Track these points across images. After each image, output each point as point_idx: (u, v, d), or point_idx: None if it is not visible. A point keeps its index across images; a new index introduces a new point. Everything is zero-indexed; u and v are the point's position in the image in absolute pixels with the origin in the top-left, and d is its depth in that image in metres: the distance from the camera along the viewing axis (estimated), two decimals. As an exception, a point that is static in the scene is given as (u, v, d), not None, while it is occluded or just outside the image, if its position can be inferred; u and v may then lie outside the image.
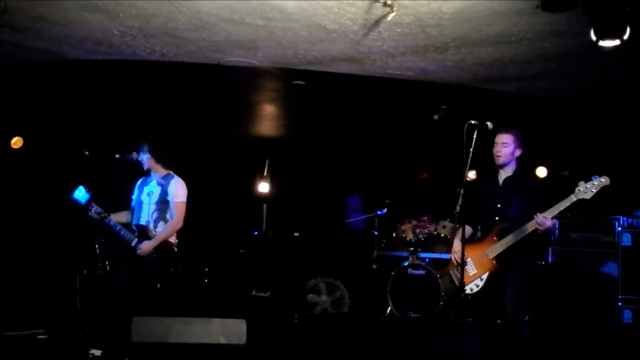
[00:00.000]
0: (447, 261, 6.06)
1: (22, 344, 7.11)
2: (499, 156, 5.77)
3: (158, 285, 6.62)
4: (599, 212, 8.37)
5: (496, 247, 5.62)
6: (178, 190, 6.88)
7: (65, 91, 8.47)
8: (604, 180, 5.40)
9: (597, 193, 5.39)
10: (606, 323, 8.20)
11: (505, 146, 5.76)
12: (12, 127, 9.42)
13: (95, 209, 6.78)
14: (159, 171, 6.95)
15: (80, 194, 6.79)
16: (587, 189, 5.40)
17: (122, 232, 6.76)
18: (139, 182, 7.08)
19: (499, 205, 5.78)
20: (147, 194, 6.92)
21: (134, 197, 7.04)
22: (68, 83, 8.16)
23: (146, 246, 6.66)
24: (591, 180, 5.41)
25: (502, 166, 5.81)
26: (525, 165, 5.93)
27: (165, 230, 6.76)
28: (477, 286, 5.69)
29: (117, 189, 7.13)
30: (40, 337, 7.27)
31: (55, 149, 9.70)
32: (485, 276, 5.68)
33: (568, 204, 5.44)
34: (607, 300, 8.30)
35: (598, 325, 8.15)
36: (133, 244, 6.72)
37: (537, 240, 5.63)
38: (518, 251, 5.59)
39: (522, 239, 5.53)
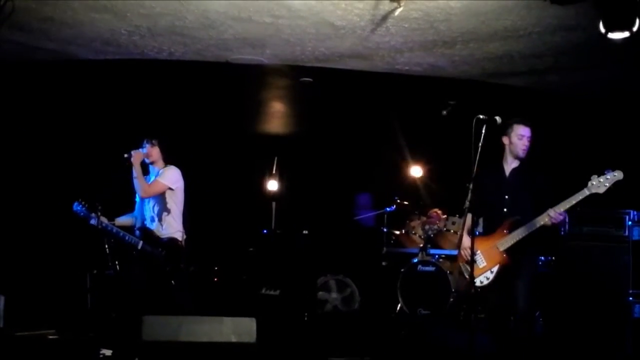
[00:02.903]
0: (457, 257, 6.05)
1: (32, 344, 7.12)
2: (524, 149, 5.76)
3: (172, 282, 6.64)
4: (609, 206, 8.34)
5: (507, 240, 5.60)
6: (167, 174, 6.83)
7: (74, 91, 8.49)
8: (617, 174, 5.37)
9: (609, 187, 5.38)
10: (617, 318, 8.16)
11: (530, 140, 5.75)
12: (21, 128, 9.45)
13: (94, 220, 6.76)
14: (159, 164, 6.95)
15: (78, 207, 6.79)
16: (600, 183, 5.37)
17: (127, 238, 6.76)
18: None
19: (506, 197, 5.76)
20: None
21: (136, 198, 7.06)
22: (77, 83, 8.17)
23: (136, 154, 6.68)
24: (604, 174, 5.39)
25: (520, 159, 5.80)
26: (534, 159, 5.91)
27: (140, 178, 6.72)
28: (487, 279, 5.69)
29: (125, 188, 7.14)
30: (50, 337, 7.28)
31: (64, 149, 9.71)
32: (495, 269, 5.67)
33: (581, 198, 5.42)
34: (618, 295, 8.26)
35: (609, 320, 8.10)
36: (139, 247, 6.73)
37: (547, 233, 5.62)
38: (528, 244, 5.57)
39: (532, 232, 5.52)
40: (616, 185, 5.41)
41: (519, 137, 5.75)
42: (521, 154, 5.78)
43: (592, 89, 7.89)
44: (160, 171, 6.88)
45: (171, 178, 6.87)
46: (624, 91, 7.77)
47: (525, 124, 5.76)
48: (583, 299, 8.24)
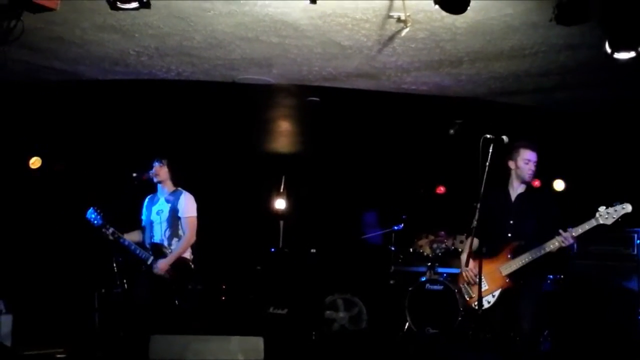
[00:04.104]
0: (458, 278, 6.05)
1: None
2: (530, 174, 5.77)
3: (176, 302, 6.65)
4: (618, 225, 8.31)
5: (510, 265, 5.59)
6: (188, 205, 6.91)
7: (82, 111, 8.53)
8: (626, 207, 5.39)
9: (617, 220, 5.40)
10: (626, 337, 8.11)
11: (536, 164, 5.75)
12: (29, 146, 9.50)
13: (110, 230, 6.79)
14: (167, 186, 6.97)
15: (92, 215, 6.82)
16: (608, 215, 5.38)
17: (138, 251, 6.80)
18: (146, 202, 7.11)
19: (511, 222, 5.74)
20: (156, 213, 6.94)
21: (143, 217, 7.07)
22: (85, 103, 8.22)
23: (162, 264, 6.70)
24: (613, 206, 5.39)
25: (526, 182, 5.79)
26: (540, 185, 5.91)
27: (179, 247, 6.79)
28: (489, 302, 5.68)
29: (133, 207, 7.16)
30: (58, 356, 7.28)
31: (73, 168, 9.75)
32: (497, 292, 5.66)
33: (588, 228, 5.43)
34: (627, 314, 8.21)
35: (618, 339, 8.06)
36: (149, 262, 6.75)
37: (553, 257, 5.60)
38: (533, 268, 5.55)
39: (538, 257, 5.50)
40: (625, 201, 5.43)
41: (525, 162, 5.75)
42: (527, 178, 5.78)
43: (599, 107, 7.88)
44: (178, 203, 6.89)
45: (193, 208, 6.95)
46: (631, 109, 7.76)
47: (532, 148, 5.76)
48: (592, 317, 8.21)
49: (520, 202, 5.80)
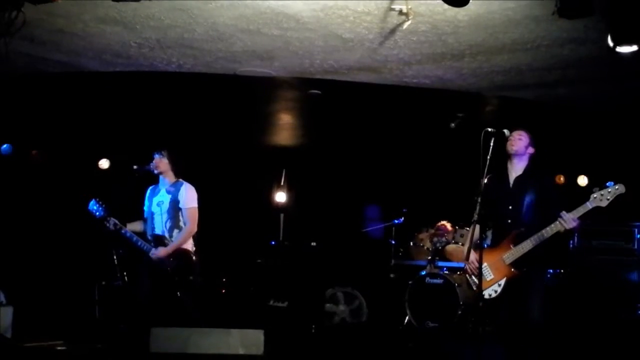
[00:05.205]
0: (464, 270, 6.03)
1: (41, 355, 7.13)
2: (512, 145, 5.66)
3: (178, 293, 6.64)
4: (618, 219, 8.31)
5: (512, 254, 5.56)
6: (188, 196, 6.88)
7: (84, 103, 8.53)
8: (619, 188, 5.34)
9: (613, 201, 5.35)
10: (626, 331, 8.12)
11: (520, 138, 5.69)
12: (30, 139, 9.51)
13: (111, 221, 6.79)
14: (168, 177, 6.94)
15: (94, 207, 6.82)
16: (602, 197, 5.33)
17: (139, 243, 6.78)
18: (148, 193, 7.09)
19: (510, 208, 5.71)
20: (157, 204, 6.92)
21: (145, 208, 7.07)
22: (86, 95, 8.21)
23: (162, 252, 6.68)
24: (606, 187, 5.36)
25: (515, 157, 5.72)
26: (538, 167, 5.85)
27: (180, 237, 6.77)
28: (495, 292, 5.65)
29: (134, 199, 7.16)
30: (59, 348, 7.29)
31: (74, 161, 9.76)
32: (502, 282, 5.63)
33: (583, 212, 5.38)
34: (627, 308, 8.22)
35: (618, 333, 8.07)
36: (151, 254, 6.73)
37: (555, 244, 5.58)
38: (536, 256, 5.53)
39: (540, 243, 5.48)
40: (626, 197, 5.39)
41: (507, 140, 5.67)
42: (509, 150, 5.68)
43: (602, 102, 7.87)
44: (179, 195, 6.87)
45: (194, 199, 6.93)
46: (633, 104, 7.75)
47: (515, 129, 5.71)
48: (592, 312, 8.22)
49: (517, 186, 5.74)
